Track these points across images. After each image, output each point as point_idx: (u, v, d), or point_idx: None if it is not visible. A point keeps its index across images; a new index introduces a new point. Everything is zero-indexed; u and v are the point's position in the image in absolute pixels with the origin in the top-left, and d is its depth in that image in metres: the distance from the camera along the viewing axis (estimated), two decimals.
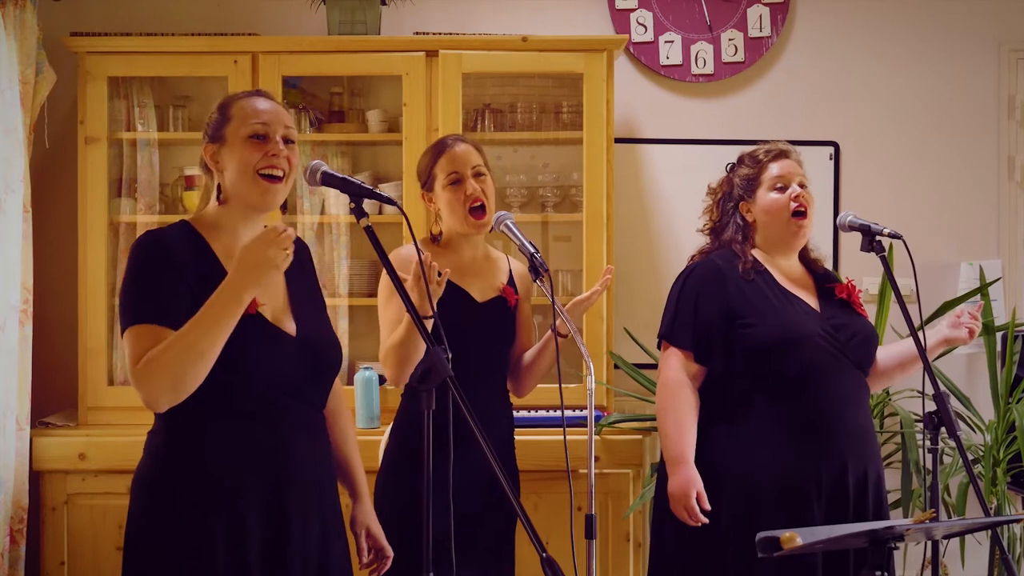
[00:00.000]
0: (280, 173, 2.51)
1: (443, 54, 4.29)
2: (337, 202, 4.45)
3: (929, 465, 3.00)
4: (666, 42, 4.77)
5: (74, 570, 4.12)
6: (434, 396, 2.25)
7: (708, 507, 3.07)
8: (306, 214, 4.44)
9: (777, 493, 3.07)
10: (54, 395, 4.44)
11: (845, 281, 3.33)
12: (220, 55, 4.29)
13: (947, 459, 4.17)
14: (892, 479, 4.06)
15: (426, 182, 3.28)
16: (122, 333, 2.43)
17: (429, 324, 2.77)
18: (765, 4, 4.79)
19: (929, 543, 3.16)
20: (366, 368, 4.21)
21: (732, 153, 3.43)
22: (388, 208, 4.31)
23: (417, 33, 4.51)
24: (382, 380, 4.22)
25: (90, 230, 4.28)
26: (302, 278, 2.65)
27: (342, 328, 4.43)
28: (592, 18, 4.77)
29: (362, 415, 4.15)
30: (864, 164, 4.83)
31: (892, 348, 3.37)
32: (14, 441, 3.99)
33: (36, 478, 4.11)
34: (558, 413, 4.11)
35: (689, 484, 3.07)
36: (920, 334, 3.05)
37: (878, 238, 3.17)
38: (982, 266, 4.67)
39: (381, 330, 3.17)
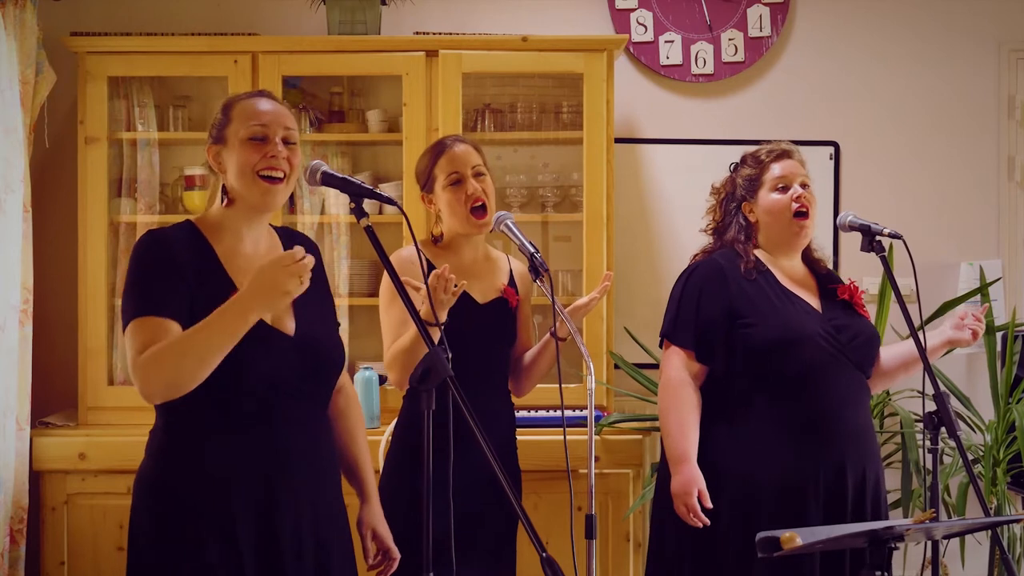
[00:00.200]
0: (280, 174, 2.51)
1: (443, 54, 4.28)
2: (337, 202, 4.45)
3: (929, 465, 3.00)
4: (666, 42, 4.77)
5: (74, 570, 4.12)
6: (434, 396, 2.25)
7: (710, 505, 3.07)
8: (306, 214, 4.44)
9: (777, 493, 3.07)
10: (54, 395, 4.44)
11: (847, 282, 3.33)
12: (220, 55, 4.29)
13: (947, 459, 4.17)
14: (892, 479, 4.06)
15: (426, 183, 3.27)
16: (124, 330, 2.44)
17: (437, 331, 2.78)
18: (765, 4, 4.79)
19: (929, 543, 3.16)
20: (366, 368, 4.21)
21: (732, 153, 3.43)
22: (388, 208, 4.31)
23: (417, 33, 4.51)
24: (382, 380, 4.22)
25: (90, 230, 4.28)
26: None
27: (342, 328, 4.42)
28: (592, 18, 4.77)
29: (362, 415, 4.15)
30: (864, 164, 4.83)
31: (895, 348, 3.37)
32: (14, 441, 3.99)
33: (36, 478, 4.11)
34: (558, 413, 4.11)
35: (691, 483, 3.06)
36: (920, 334, 3.05)
37: (878, 238, 3.17)
38: (982, 266, 4.67)
39: (384, 334, 3.17)
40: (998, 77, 4.85)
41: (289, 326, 2.53)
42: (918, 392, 3.26)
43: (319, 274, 2.72)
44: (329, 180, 2.49)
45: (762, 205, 3.25)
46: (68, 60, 4.33)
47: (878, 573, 2.37)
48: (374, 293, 4.20)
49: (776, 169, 3.25)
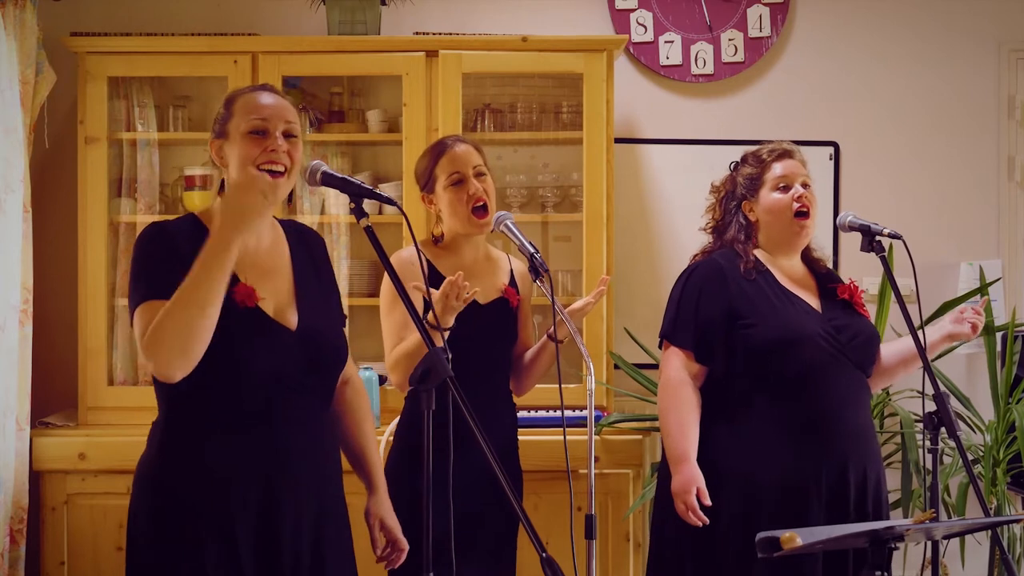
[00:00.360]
0: (280, 168, 2.51)
1: (443, 54, 4.29)
2: (337, 202, 4.45)
3: (929, 465, 3.00)
4: (666, 42, 4.77)
5: (74, 570, 4.12)
6: (434, 396, 2.25)
7: (708, 503, 3.06)
8: (306, 214, 4.44)
9: (777, 493, 3.07)
10: (54, 395, 4.44)
11: (847, 282, 3.33)
12: (220, 55, 4.29)
13: (947, 459, 4.17)
14: (892, 479, 4.06)
15: (426, 184, 3.27)
16: (131, 319, 2.44)
17: (441, 335, 2.78)
18: (765, 4, 4.79)
19: (929, 543, 3.16)
20: (366, 368, 4.21)
21: (732, 153, 3.43)
22: (388, 208, 4.31)
23: (417, 33, 4.51)
24: (382, 380, 4.22)
25: (90, 230, 4.28)
26: (312, 271, 2.65)
27: None
28: (592, 18, 4.77)
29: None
30: (864, 164, 4.83)
31: (895, 345, 3.37)
32: (14, 441, 3.99)
33: (36, 478, 4.11)
34: (558, 413, 4.11)
35: (691, 481, 3.06)
36: (920, 334, 3.05)
37: (878, 238, 3.17)
38: (982, 266, 4.67)
39: (385, 337, 3.17)
40: (998, 77, 4.85)
41: (292, 320, 2.53)
42: (918, 392, 3.26)
43: (325, 268, 2.72)
44: (329, 180, 2.49)
45: (763, 204, 3.25)
46: (68, 60, 4.33)
47: (878, 573, 2.37)
48: (374, 293, 4.20)
49: (777, 168, 3.25)
